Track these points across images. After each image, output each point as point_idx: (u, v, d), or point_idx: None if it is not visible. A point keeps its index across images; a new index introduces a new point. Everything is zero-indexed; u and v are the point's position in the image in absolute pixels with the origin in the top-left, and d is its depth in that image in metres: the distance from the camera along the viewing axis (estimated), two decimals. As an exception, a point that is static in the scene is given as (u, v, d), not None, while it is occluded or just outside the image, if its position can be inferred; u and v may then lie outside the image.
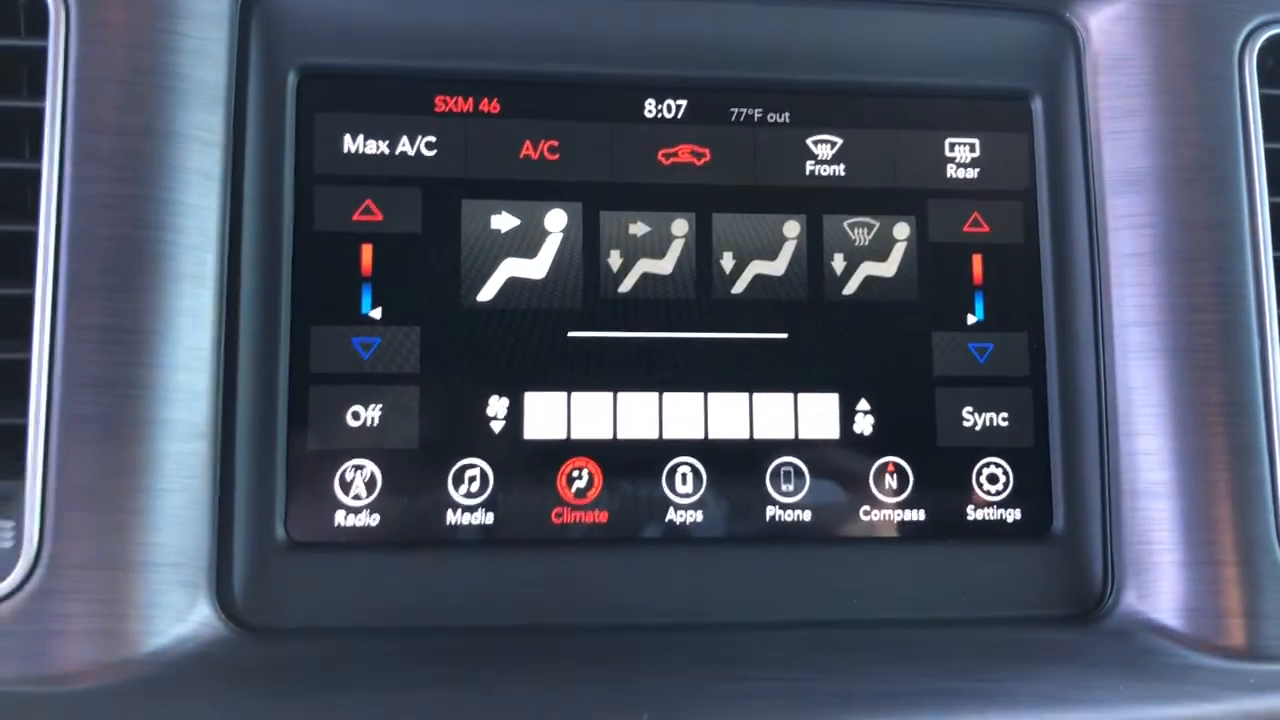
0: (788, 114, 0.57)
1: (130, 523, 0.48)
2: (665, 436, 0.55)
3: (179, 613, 0.49)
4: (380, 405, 0.53)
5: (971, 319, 0.57)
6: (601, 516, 0.54)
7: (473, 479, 0.54)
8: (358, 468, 0.53)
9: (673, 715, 0.48)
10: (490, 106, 0.56)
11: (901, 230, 0.57)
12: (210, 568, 0.50)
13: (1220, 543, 0.53)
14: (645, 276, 0.56)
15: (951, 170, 0.58)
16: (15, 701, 0.46)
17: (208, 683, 0.48)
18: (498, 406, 0.54)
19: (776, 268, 0.57)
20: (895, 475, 0.56)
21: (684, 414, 0.55)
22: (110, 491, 0.48)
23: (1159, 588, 0.54)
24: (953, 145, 0.58)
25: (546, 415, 0.54)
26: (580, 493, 0.54)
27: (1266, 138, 0.56)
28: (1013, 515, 0.56)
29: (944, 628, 0.54)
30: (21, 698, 0.46)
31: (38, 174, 0.49)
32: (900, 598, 0.55)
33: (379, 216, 0.54)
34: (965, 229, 0.58)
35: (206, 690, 0.48)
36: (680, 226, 0.56)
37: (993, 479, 0.56)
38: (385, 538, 0.53)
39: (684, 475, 0.55)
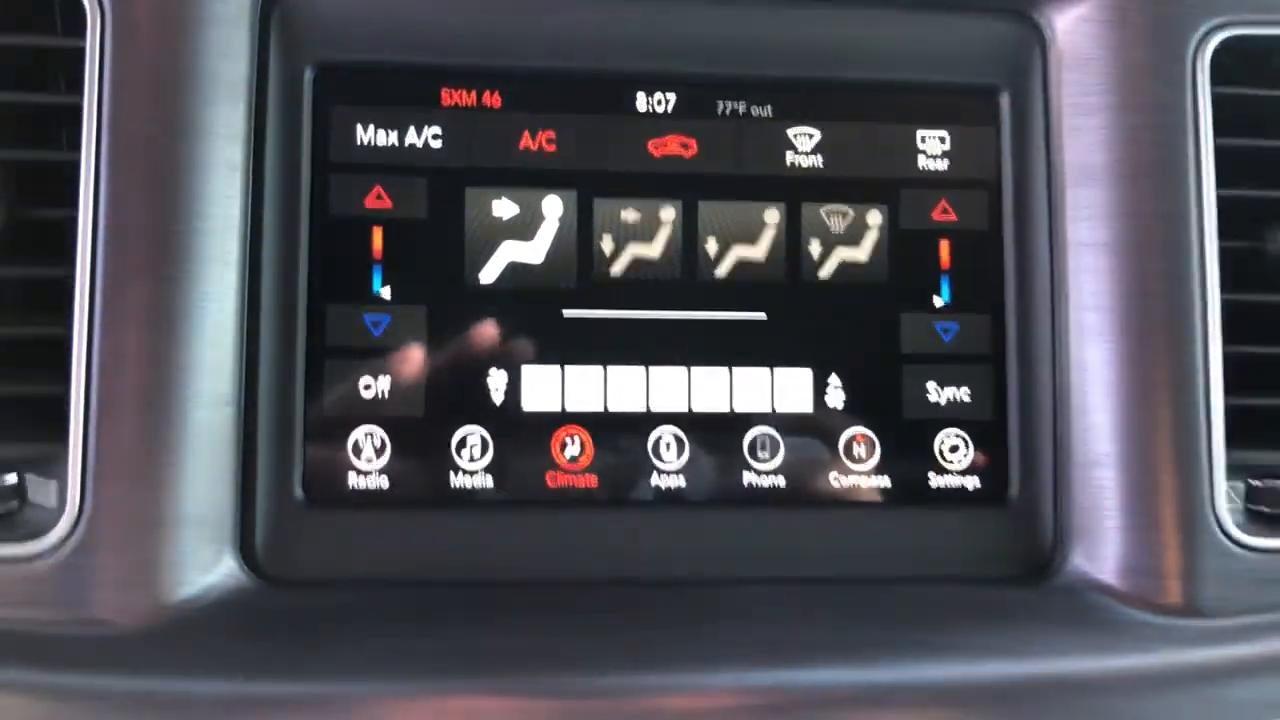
0: (770, 108, 0.61)
1: (161, 484, 0.53)
2: (651, 408, 0.59)
3: (206, 565, 0.54)
4: (389, 377, 0.58)
5: (938, 301, 0.61)
6: (591, 481, 0.59)
7: (474, 445, 0.58)
8: (369, 434, 0.58)
9: (653, 662, 0.52)
10: (492, 100, 0.60)
11: (874, 217, 0.62)
12: (234, 524, 0.55)
13: (1162, 510, 0.58)
14: (635, 259, 0.60)
15: (922, 161, 0.62)
16: (61, 642, 0.50)
17: (232, 628, 0.53)
18: (497, 379, 0.59)
19: (757, 252, 0.61)
20: (864, 445, 0.60)
21: (669, 387, 0.59)
22: (143, 456, 0.53)
23: (1104, 550, 0.58)
24: (924, 138, 0.62)
25: (542, 387, 0.59)
26: (573, 459, 0.59)
27: (1216, 134, 0.60)
28: (972, 483, 0.61)
29: (906, 585, 0.59)
30: (67, 639, 0.51)
31: (76, 165, 0.53)
32: (867, 558, 0.59)
33: (389, 203, 0.59)
34: (934, 217, 0.62)
35: (231, 634, 0.52)
36: (668, 213, 0.60)
37: (954, 449, 0.61)
38: (394, 498, 0.58)
39: (668, 444, 0.59)
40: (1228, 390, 0.59)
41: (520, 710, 0.51)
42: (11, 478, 0.52)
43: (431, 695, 0.51)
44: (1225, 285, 0.59)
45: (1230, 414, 0.58)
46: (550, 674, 0.52)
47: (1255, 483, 0.59)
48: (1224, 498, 0.58)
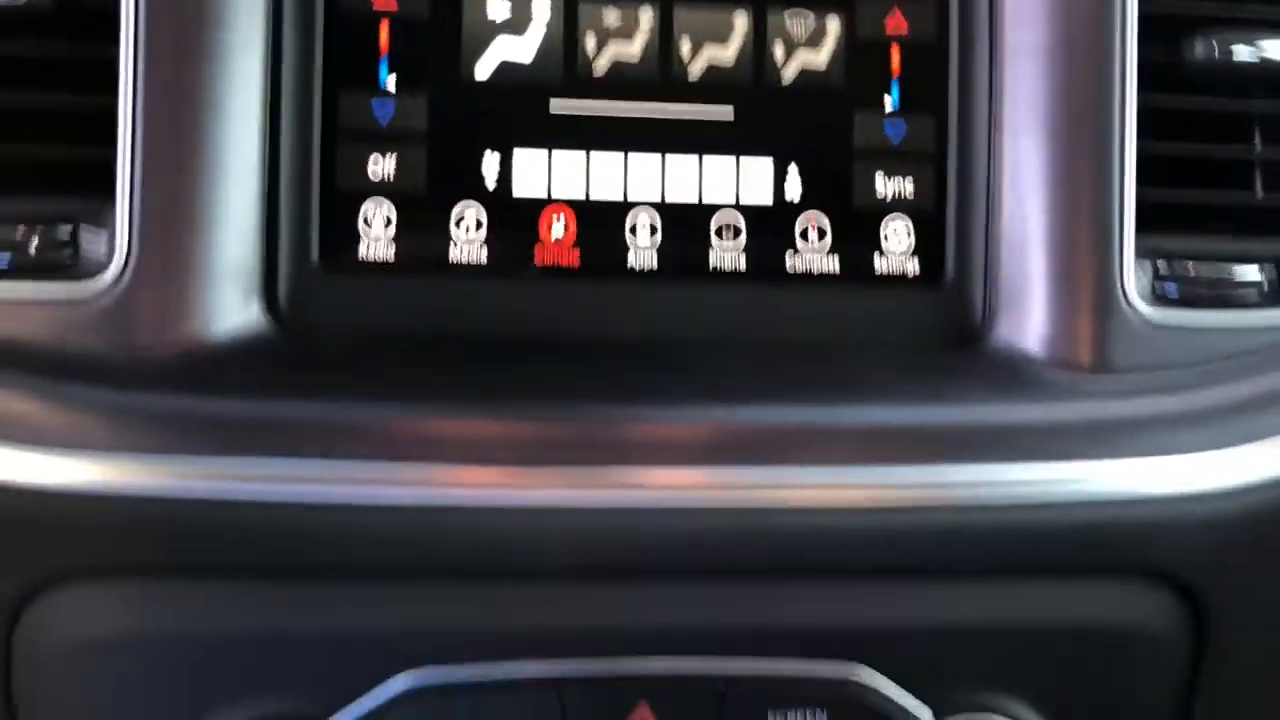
0: (741, -77, 0.68)
1: (197, 238, 0.60)
2: (629, 194, 0.67)
3: (236, 311, 0.61)
4: (395, 158, 0.65)
5: (888, 103, 0.68)
6: (574, 256, 0.66)
7: (470, 222, 0.66)
8: (377, 208, 0.65)
9: (624, 397, 0.60)
10: (487, -89, 0.67)
11: (833, 25, 0.68)
12: (260, 279, 0.63)
13: (1080, 287, 0.65)
14: (616, 58, 0.67)
15: None
16: (112, 364, 0.59)
17: (257, 362, 0.61)
18: (491, 163, 0.66)
19: (727, 53, 0.67)
20: (816, 229, 0.68)
21: (645, 174, 0.67)
22: (181, 214, 0.60)
23: (1027, 322, 0.66)
24: None
25: (531, 170, 0.66)
26: (558, 237, 0.66)
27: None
28: (912, 265, 0.68)
29: (851, 350, 0.66)
30: (117, 361, 0.59)
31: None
32: (816, 327, 0.67)
33: (394, 3, 0.66)
34: (887, 26, 0.69)
35: (256, 366, 0.60)
36: (646, 15, 0.67)
37: (897, 234, 0.68)
38: (399, 265, 0.65)
39: (644, 225, 0.67)
40: (1142, 183, 0.65)
41: (506, 433, 0.59)
42: (67, 229, 0.60)
43: (429, 419, 0.59)
44: (1144, 88, 0.66)
45: (1143, 205, 0.65)
46: (533, 405, 0.59)
47: (1161, 265, 0.66)
48: (1133, 277, 0.65)
